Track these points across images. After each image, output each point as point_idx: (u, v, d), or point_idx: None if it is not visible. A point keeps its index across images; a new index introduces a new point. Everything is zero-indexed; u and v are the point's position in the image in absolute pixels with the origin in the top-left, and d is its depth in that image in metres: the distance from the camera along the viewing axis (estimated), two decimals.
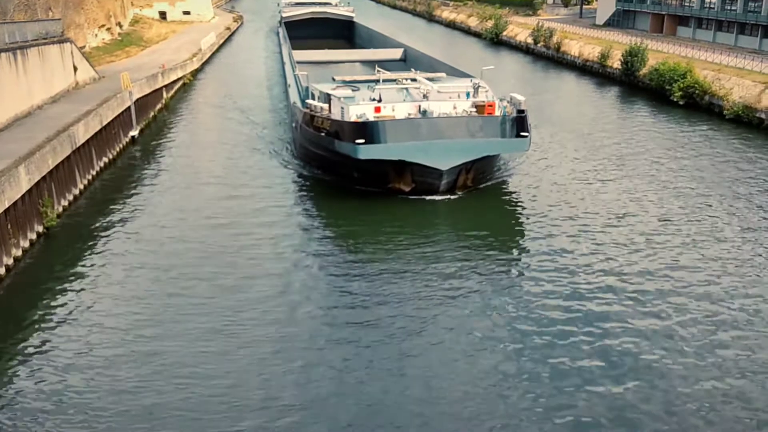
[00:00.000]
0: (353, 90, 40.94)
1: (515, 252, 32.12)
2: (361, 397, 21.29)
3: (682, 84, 63.22)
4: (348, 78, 45.91)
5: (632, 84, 74.69)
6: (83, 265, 30.33)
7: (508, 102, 40.66)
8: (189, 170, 44.67)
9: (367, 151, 35.95)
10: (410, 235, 33.45)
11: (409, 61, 74.57)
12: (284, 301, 27.04)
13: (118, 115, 49.25)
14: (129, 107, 51.94)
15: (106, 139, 46.16)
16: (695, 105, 62.26)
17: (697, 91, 62.10)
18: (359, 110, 37.71)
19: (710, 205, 37.50)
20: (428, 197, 37.91)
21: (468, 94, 40.10)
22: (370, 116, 37.51)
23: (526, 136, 37.78)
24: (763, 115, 54.38)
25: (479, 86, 40.62)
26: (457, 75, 51.08)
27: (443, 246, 32.21)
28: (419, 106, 38.63)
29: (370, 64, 74.42)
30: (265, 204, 37.86)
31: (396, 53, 79.00)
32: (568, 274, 29.38)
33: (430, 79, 43.49)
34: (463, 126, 37.12)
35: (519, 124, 37.76)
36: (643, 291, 27.88)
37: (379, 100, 38.53)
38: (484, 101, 39.52)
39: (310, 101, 42.32)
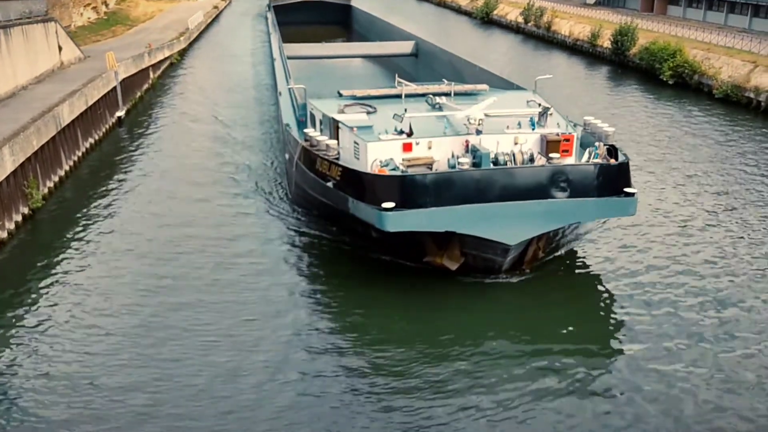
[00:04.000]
0: (368, 113, 30.21)
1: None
2: None
3: (672, 63, 63.15)
4: (359, 93, 33.57)
5: (622, 63, 74.50)
6: (70, 248, 30.06)
7: (585, 130, 29.01)
8: (176, 154, 44.16)
9: (398, 221, 24.04)
10: (456, 335, 23.12)
11: (421, 56, 63.23)
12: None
13: (104, 96, 48.74)
14: (115, 87, 51.36)
15: (92, 120, 45.70)
16: (684, 84, 62.23)
17: (686, 71, 62.06)
18: (382, 151, 26.19)
19: None
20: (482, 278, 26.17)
21: (533, 123, 28.10)
22: (397, 158, 26.15)
23: (633, 194, 25.62)
24: (751, 95, 54.44)
25: (547, 110, 28.69)
26: (499, 85, 37.90)
27: (504, 352, 22.16)
28: (467, 143, 26.55)
29: (376, 59, 70.31)
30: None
31: (405, 47, 65.86)
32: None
33: (470, 94, 33.03)
34: (542, 180, 24.93)
35: (620, 174, 25.90)
36: None
37: (410, 133, 26.85)
38: (557, 134, 27.13)
39: (309, 131, 30.50)
